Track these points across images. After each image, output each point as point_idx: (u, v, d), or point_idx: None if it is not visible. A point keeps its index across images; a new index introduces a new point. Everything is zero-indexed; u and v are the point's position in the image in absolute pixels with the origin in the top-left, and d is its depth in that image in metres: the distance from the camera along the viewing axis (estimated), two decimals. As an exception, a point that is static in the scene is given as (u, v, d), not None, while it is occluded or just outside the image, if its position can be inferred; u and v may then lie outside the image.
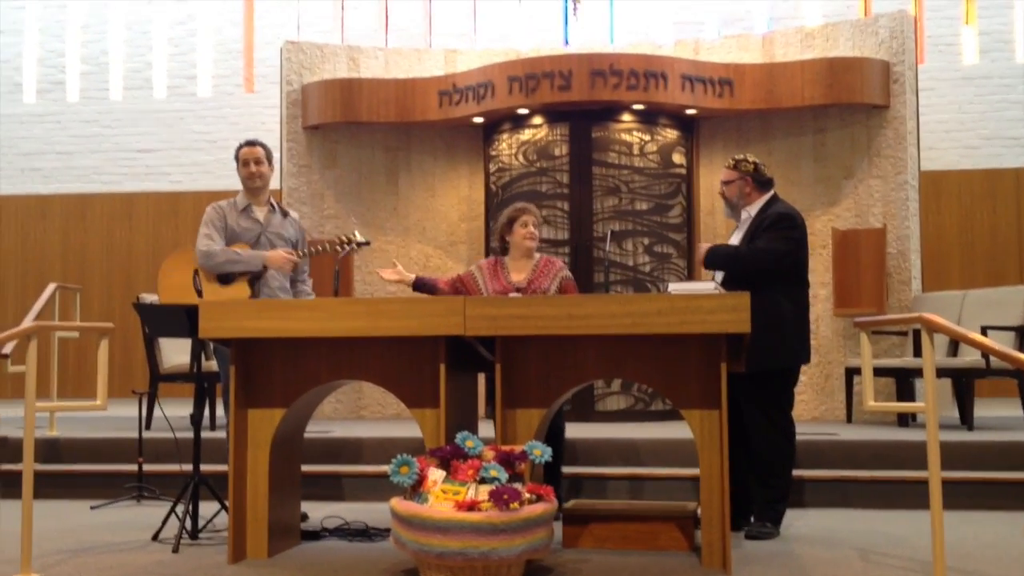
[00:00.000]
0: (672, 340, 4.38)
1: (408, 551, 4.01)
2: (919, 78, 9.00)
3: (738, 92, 8.48)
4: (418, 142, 9.34)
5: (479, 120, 8.81)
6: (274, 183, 5.78)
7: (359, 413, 9.05)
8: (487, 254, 8.59)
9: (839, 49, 8.68)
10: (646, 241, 8.41)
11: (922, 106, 9.52)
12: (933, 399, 4.04)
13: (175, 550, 4.70)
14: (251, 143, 5.66)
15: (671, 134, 8.64)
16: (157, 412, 7.46)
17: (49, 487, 6.25)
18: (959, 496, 5.65)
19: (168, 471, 6.16)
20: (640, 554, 4.64)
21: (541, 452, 4.19)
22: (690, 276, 8.41)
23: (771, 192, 5.34)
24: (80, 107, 12.69)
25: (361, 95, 8.87)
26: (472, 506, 3.89)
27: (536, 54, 8.86)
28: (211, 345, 6.40)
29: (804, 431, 6.35)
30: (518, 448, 4.21)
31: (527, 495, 4.02)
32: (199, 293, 5.45)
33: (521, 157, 8.64)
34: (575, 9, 10.52)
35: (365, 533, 5.05)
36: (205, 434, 5.57)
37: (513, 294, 5.43)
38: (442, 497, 3.98)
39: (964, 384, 7.27)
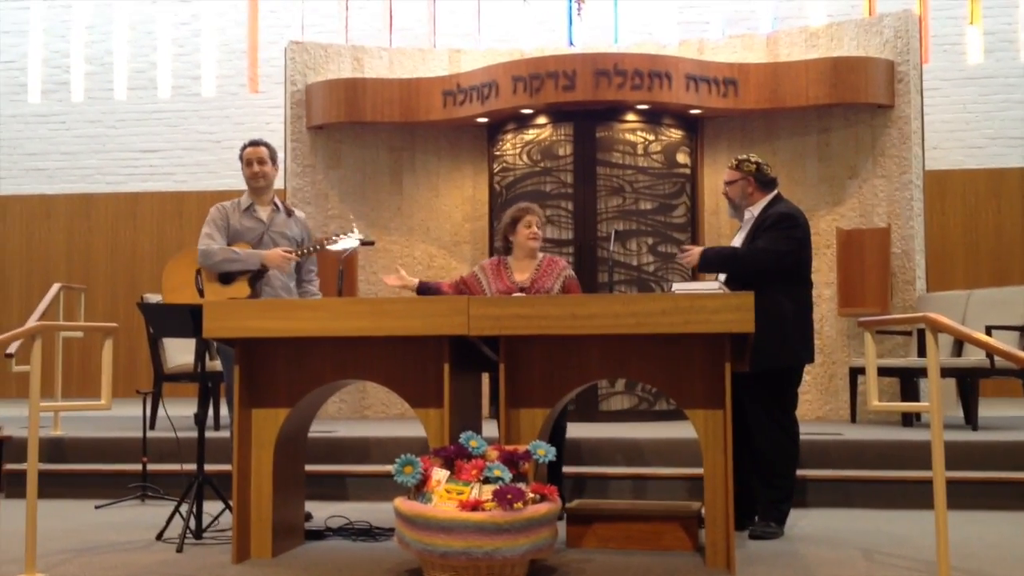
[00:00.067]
0: (676, 340, 4.38)
1: (412, 551, 4.01)
2: (924, 78, 8.98)
3: (742, 92, 8.48)
4: (422, 142, 9.34)
5: (483, 120, 8.81)
6: (278, 183, 5.79)
7: (363, 413, 9.05)
8: (491, 254, 8.58)
9: (843, 49, 8.67)
10: (650, 241, 8.41)
11: (927, 106, 9.51)
12: (937, 399, 4.03)
13: (179, 550, 4.70)
14: (255, 143, 5.67)
15: (675, 134, 8.64)
16: (161, 412, 7.46)
17: (54, 487, 6.27)
18: (963, 496, 5.64)
19: (172, 471, 6.16)
20: (644, 554, 4.64)
21: (545, 452, 4.19)
22: (694, 276, 8.38)
23: (774, 192, 5.33)
24: (84, 107, 12.71)
25: (365, 95, 8.87)
26: (476, 506, 3.89)
27: (540, 54, 8.86)
28: (215, 345, 6.41)
29: (808, 431, 6.35)
30: (522, 448, 4.21)
31: (531, 495, 4.02)
32: (201, 293, 5.47)
33: (525, 157, 8.64)
34: (579, 9, 10.52)
35: (369, 533, 5.05)
36: (209, 434, 5.58)
37: (517, 294, 5.43)
38: (446, 497, 3.98)
39: (968, 384, 7.27)
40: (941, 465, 3.97)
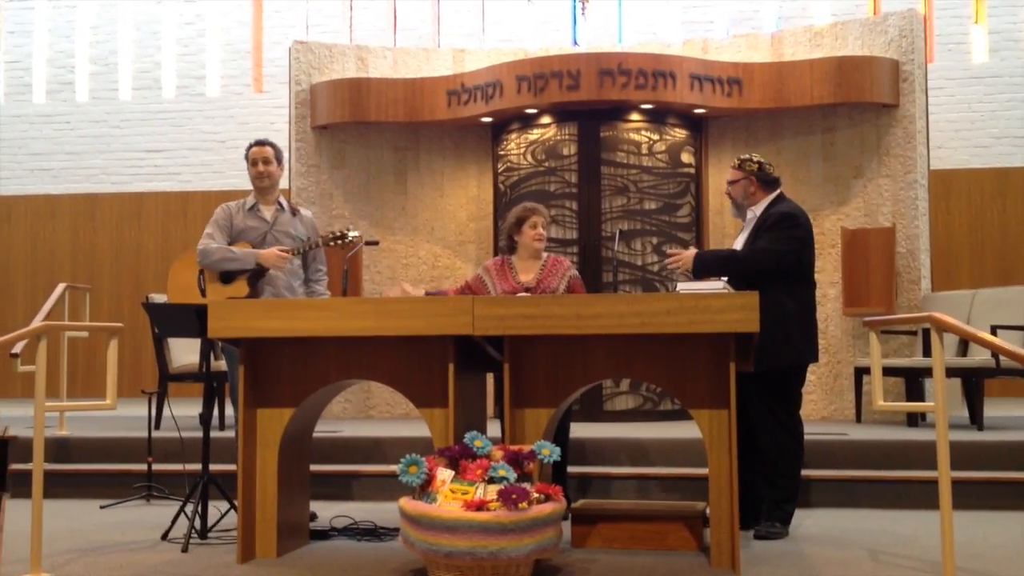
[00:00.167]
0: (681, 340, 4.38)
1: (417, 551, 4.01)
2: (928, 77, 8.97)
3: (747, 91, 8.47)
4: (426, 142, 9.34)
5: (488, 120, 8.81)
6: (283, 183, 5.79)
7: (368, 413, 9.06)
8: (495, 254, 8.58)
9: (848, 48, 8.66)
10: (655, 241, 8.40)
11: (932, 105, 9.50)
12: (943, 399, 4.03)
13: (184, 549, 4.71)
14: (260, 143, 5.68)
15: (680, 133, 8.63)
16: (166, 412, 7.47)
17: (59, 486, 6.27)
18: (969, 496, 5.63)
19: (177, 471, 6.16)
20: (649, 554, 4.63)
21: (550, 452, 4.19)
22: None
23: (776, 191, 5.33)
24: (89, 107, 12.72)
25: (370, 95, 8.87)
26: (481, 506, 3.89)
27: (544, 54, 8.86)
28: (220, 345, 6.42)
29: (813, 431, 6.34)
30: (527, 448, 4.21)
31: (536, 495, 4.02)
32: (203, 292, 5.49)
33: (530, 157, 8.64)
34: (583, 9, 10.51)
35: (374, 533, 5.05)
36: (214, 434, 5.59)
37: (522, 294, 5.42)
38: (451, 497, 3.98)
39: (974, 384, 7.26)
40: (946, 465, 3.97)
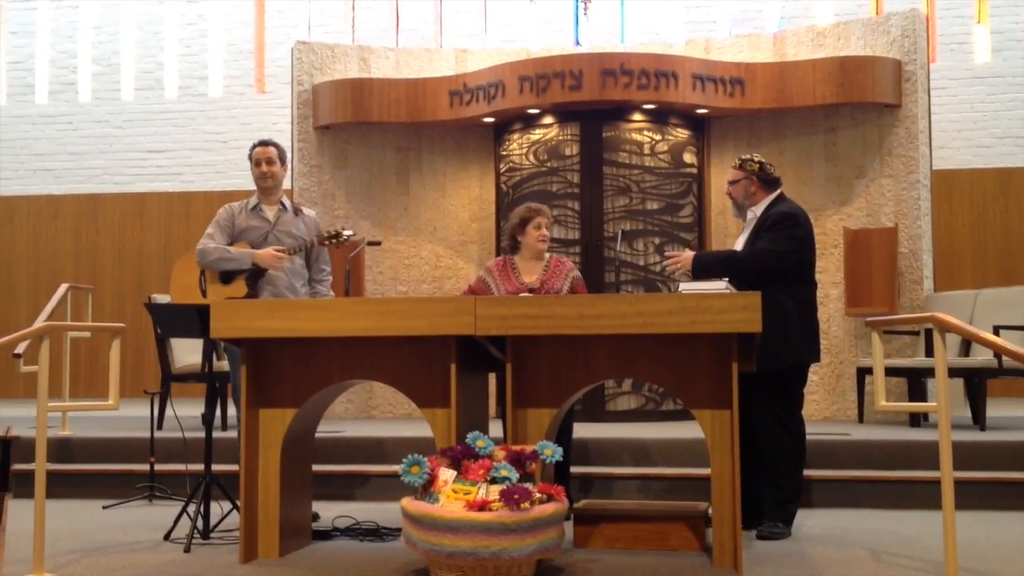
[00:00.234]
0: (683, 340, 4.38)
1: (419, 551, 4.01)
2: (931, 77, 8.97)
3: (749, 91, 8.47)
4: (429, 142, 9.34)
5: (490, 120, 8.81)
6: (285, 183, 5.80)
7: (370, 413, 9.06)
8: (498, 254, 8.59)
9: (851, 48, 8.66)
10: (657, 241, 8.40)
11: (934, 105, 9.49)
12: (945, 399, 4.03)
13: (187, 550, 4.71)
14: (264, 143, 5.68)
15: (682, 134, 8.63)
16: (169, 412, 7.47)
17: (61, 487, 6.28)
18: (971, 496, 5.63)
19: (180, 471, 6.17)
20: (651, 554, 4.63)
21: (552, 452, 4.19)
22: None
23: (777, 191, 5.33)
24: (92, 108, 12.73)
25: (372, 95, 8.88)
26: (483, 506, 3.89)
27: (547, 54, 8.86)
28: (222, 345, 6.42)
29: (815, 431, 6.34)
30: (529, 448, 4.21)
31: (538, 495, 4.02)
32: (204, 293, 5.50)
33: (532, 157, 8.64)
34: (586, 9, 10.51)
35: (376, 533, 5.05)
36: (217, 434, 5.59)
37: (525, 295, 5.42)
38: (453, 497, 3.98)
39: (976, 384, 7.25)
40: (949, 465, 3.96)
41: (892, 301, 8.21)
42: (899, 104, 8.48)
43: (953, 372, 6.88)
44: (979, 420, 7.07)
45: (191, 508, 5.00)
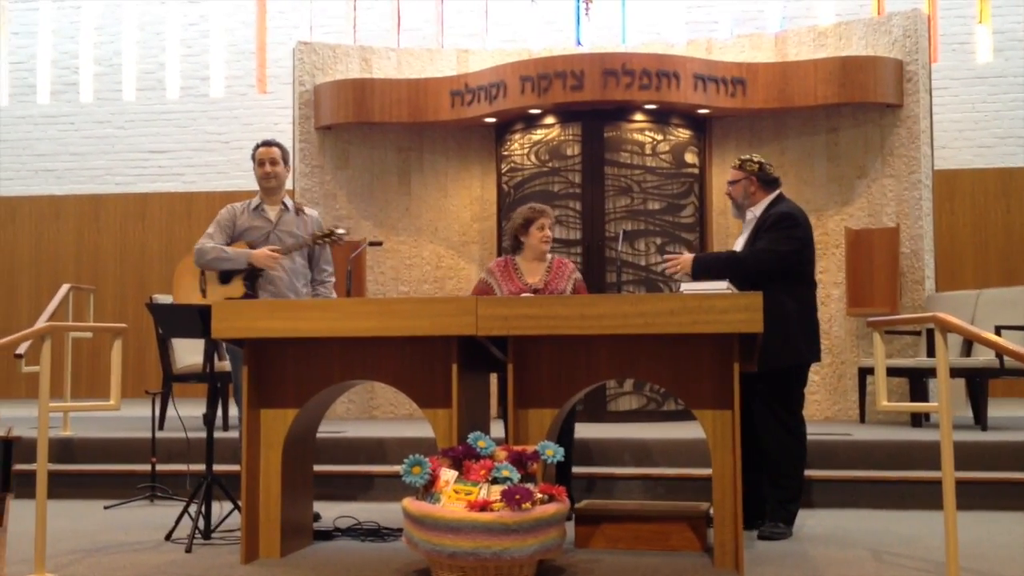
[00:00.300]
0: (684, 340, 4.38)
1: (420, 551, 4.01)
2: (932, 77, 8.96)
3: (751, 91, 8.47)
4: (430, 142, 9.35)
5: (491, 120, 8.81)
6: (287, 183, 5.80)
7: (371, 413, 9.06)
8: (499, 254, 8.59)
9: (852, 48, 8.66)
10: (658, 241, 8.40)
11: (936, 105, 9.48)
12: (947, 399, 4.03)
13: (188, 550, 4.71)
14: (268, 143, 5.68)
15: (683, 134, 8.63)
16: (170, 412, 7.48)
17: (63, 487, 6.28)
18: (973, 496, 5.63)
19: (181, 471, 6.17)
20: (652, 554, 4.63)
21: (553, 452, 4.19)
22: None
23: (776, 192, 5.33)
24: (93, 108, 12.74)
25: (373, 95, 8.88)
26: (484, 506, 3.89)
27: (548, 54, 8.86)
28: (224, 345, 6.42)
29: (817, 431, 6.34)
30: (530, 448, 4.21)
31: (539, 495, 4.02)
32: (203, 293, 5.51)
33: (533, 157, 8.64)
34: (587, 9, 10.51)
35: (377, 533, 5.05)
36: (218, 434, 5.60)
37: (527, 295, 5.42)
38: (454, 497, 3.98)
39: (978, 384, 7.25)
40: (950, 465, 3.96)
41: (894, 301, 8.21)
42: (901, 104, 8.48)
43: (955, 372, 6.88)
44: (981, 420, 7.07)
45: (192, 508, 4.99)
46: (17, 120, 12.81)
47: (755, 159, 5.32)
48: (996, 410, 7.56)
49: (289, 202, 5.72)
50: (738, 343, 4.30)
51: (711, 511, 4.62)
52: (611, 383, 8.08)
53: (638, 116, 8.46)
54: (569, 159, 8.51)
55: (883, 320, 4.63)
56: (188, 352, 7.85)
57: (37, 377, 4.38)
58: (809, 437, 5.23)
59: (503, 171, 8.92)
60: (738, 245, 5.36)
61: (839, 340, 8.56)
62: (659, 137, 8.51)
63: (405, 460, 4.13)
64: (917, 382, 7.63)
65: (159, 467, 6.34)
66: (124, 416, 7.55)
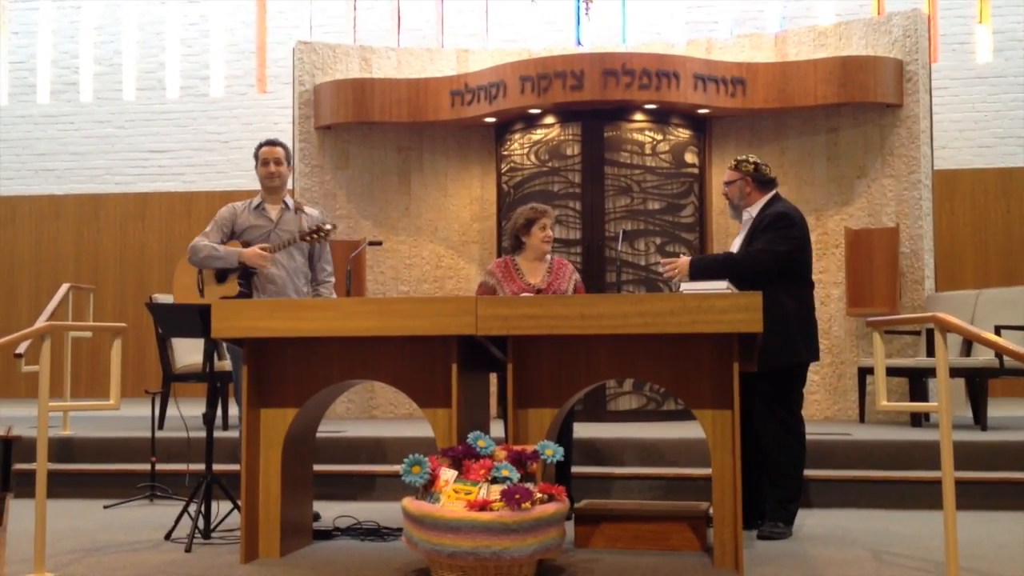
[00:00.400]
0: (684, 340, 4.38)
1: (420, 551, 4.01)
2: (932, 77, 8.96)
3: (751, 91, 8.47)
4: (430, 142, 9.35)
5: (491, 120, 8.81)
6: (288, 183, 5.81)
7: (371, 413, 9.06)
8: (499, 254, 8.59)
9: (852, 48, 8.66)
10: (658, 241, 8.40)
11: (936, 105, 9.49)
12: (946, 399, 4.02)
13: (188, 549, 4.71)
14: (272, 143, 5.69)
15: (683, 134, 8.63)
16: (170, 412, 7.48)
17: (62, 486, 6.28)
18: (972, 496, 5.63)
19: (181, 470, 6.17)
20: (652, 554, 4.63)
21: (553, 452, 4.19)
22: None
23: (772, 192, 5.33)
24: (93, 108, 12.74)
25: (373, 95, 8.88)
26: (484, 506, 3.89)
27: (548, 54, 8.86)
28: (224, 345, 6.42)
29: (816, 431, 6.34)
30: (530, 448, 4.21)
31: (539, 495, 4.02)
32: (201, 292, 5.52)
33: (533, 157, 8.64)
34: (587, 9, 10.51)
35: (377, 533, 5.05)
36: (218, 434, 5.60)
37: (527, 295, 5.42)
38: (454, 497, 3.98)
39: (978, 384, 7.25)
40: (950, 465, 3.96)
41: (893, 301, 8.21)
42: (900, 104, 8.48)
43: (954, 372, 6.88)
44: (980, 420, 7.07)
45: (192, 508, 5.00)
46: (17, 120, 12.81)
47: (751, 160, 5.33)
48: (996, 410, 7.57)
49: (290, 201, 5.72)
50: (738, 343, 4.30)
51: (711, 511, 4.62)
52: (611, 383, 8.08)
53: (638, 116, 8.47)
54: (569, 159, 8.51)
55: (883, 320, 4.63)
56: (188, 352, 7.85)
57: (37, 376, 4.38)
58: (809, 437, 5.23)
59: (503, 171, 8.92)
60: (735, 246, 5.36)
61: (839, 340, 8.56)
62: (659, 137, 8.51)
63: (405, 460, 4.13)
64: (917, 382, 7.63)
65: (159, 467, 6.35)
66: (124, 416, 7.56)
